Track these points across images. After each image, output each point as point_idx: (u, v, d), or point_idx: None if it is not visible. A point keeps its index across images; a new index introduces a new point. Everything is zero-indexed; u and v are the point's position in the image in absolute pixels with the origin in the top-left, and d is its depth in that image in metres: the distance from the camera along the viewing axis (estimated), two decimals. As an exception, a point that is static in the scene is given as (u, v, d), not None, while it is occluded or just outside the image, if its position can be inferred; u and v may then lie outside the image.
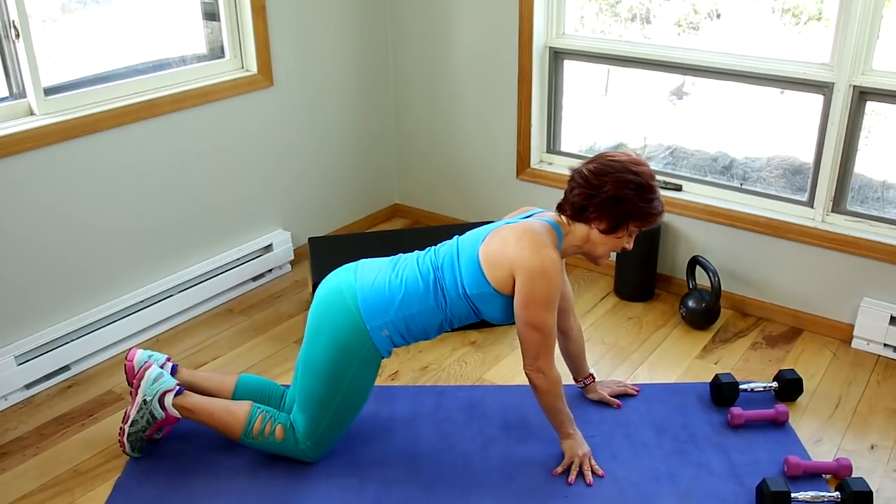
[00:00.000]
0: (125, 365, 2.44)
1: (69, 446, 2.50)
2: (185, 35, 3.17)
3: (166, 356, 2.48)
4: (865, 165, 2.95)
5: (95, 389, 2.78)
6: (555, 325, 2.18)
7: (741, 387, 2.63)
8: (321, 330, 2.22)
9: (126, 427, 2.33)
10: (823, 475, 2.32)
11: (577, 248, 2.24)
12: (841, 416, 2.61)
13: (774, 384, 2.66)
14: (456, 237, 2.31)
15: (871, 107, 2.83)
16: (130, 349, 2.49)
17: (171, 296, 3.10)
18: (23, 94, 2.66)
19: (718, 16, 3.21)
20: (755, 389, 2.64)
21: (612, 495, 2.25)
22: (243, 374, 2.53)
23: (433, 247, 2.32)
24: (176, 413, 2.32)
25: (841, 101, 2.81)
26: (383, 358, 2.26)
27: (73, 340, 2.82)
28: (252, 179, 3.39)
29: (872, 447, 2.47)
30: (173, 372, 2.44)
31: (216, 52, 3.24)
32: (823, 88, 2.86)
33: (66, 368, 2.83)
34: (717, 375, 2.62)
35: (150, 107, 2.92)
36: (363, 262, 2.34)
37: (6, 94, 2.64)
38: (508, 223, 2.24)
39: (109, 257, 2.93)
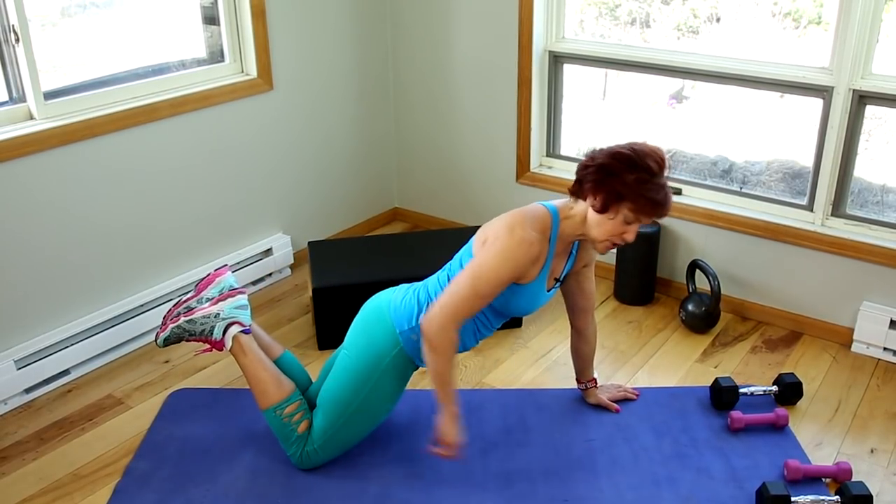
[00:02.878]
0: (209, 273, 2.43)
1: (69, 450, 2.50)
2: (185, 39, 3.17)
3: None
4: (865, 169, 2.95)
5: (95, 393, 2.78)
6: (487, 300, 2.10)
7: (741, 390, 2.63)
8: (358, 336, 2.30)
9: (183, 318, 2.32)
10: (823, 479, 2.32)
11: (579, 230, 2.17)
12: (841, 419, 2.61)
13: (774, 388, 2.66)
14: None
15: (870, 111, 2.83)
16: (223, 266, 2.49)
17: (170, 300, 3.09)
18: (23, 99, 2.66)
19: (718, 20, 3.21)
20: (755, 393, 2.64)
21: (611, 499, 2.24)
22: (288, 350, 2.53)
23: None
24: (229, 346, 2.32)
25: (840, 104, 2.81)
26: (417, 368, 2.30)
27: (72, 345, 2.82)
28: (252, 183, 3.39)
29: (872, 451, 2.47)
30: None
31: (216, 56, 3.24)
32: (823, 92, 2.86)
33: (65, 373, 2.83)
34: (716, 379, 2.62)
35: (149, 111, 2.92)
36: (406, 284, 2.40)
37: (6, 98, 2.64)
38: None
39: (109, 261, 2.93)
